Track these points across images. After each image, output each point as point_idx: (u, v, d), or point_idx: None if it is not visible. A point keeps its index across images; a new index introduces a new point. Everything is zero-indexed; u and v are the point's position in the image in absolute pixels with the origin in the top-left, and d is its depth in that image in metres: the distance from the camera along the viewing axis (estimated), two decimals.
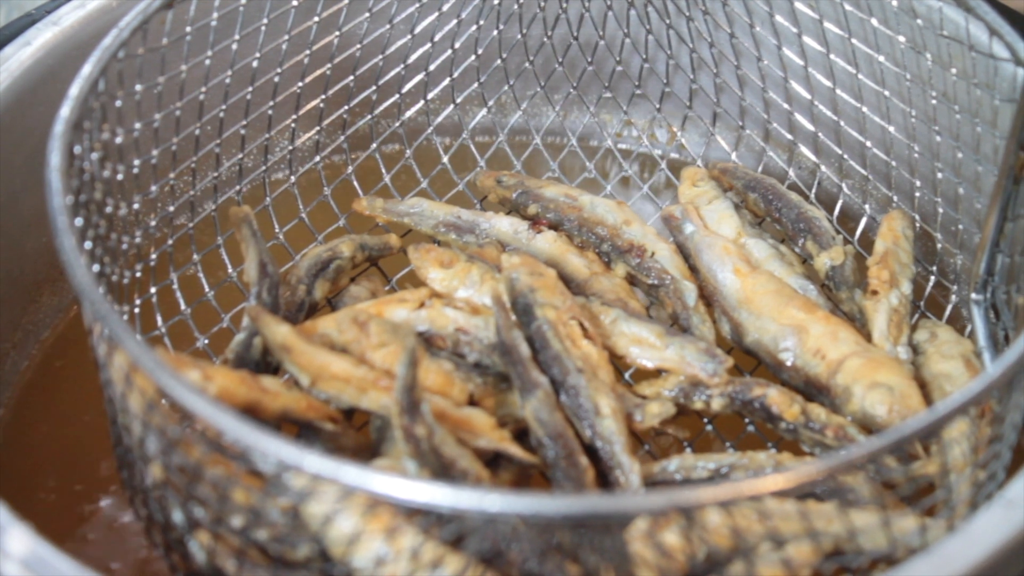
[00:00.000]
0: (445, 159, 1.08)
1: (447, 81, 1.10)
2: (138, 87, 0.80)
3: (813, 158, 1.04)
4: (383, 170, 1.07)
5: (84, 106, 0.72)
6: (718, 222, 0.96)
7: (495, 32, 1.08)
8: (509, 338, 0.77)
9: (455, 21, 1.05)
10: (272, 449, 0.56)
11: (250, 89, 0.93)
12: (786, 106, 1.04)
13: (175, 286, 0.91)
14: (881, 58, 0.94)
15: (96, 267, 0.71)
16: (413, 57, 1.06)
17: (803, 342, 0.83)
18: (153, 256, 0.88)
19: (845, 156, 1.02)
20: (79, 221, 0.69)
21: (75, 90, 0.72)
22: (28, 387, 0.93)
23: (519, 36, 1.08)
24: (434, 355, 0.78)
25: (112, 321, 0.61)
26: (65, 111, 0.71)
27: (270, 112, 0.97)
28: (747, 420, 0.83)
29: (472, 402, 0.77)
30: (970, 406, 0.60)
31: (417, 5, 1.03)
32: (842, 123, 1.00)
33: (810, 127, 1.03)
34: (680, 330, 0.87)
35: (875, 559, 0.67)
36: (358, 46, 1.01)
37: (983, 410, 0.75)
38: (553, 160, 1.11)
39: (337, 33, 0.99)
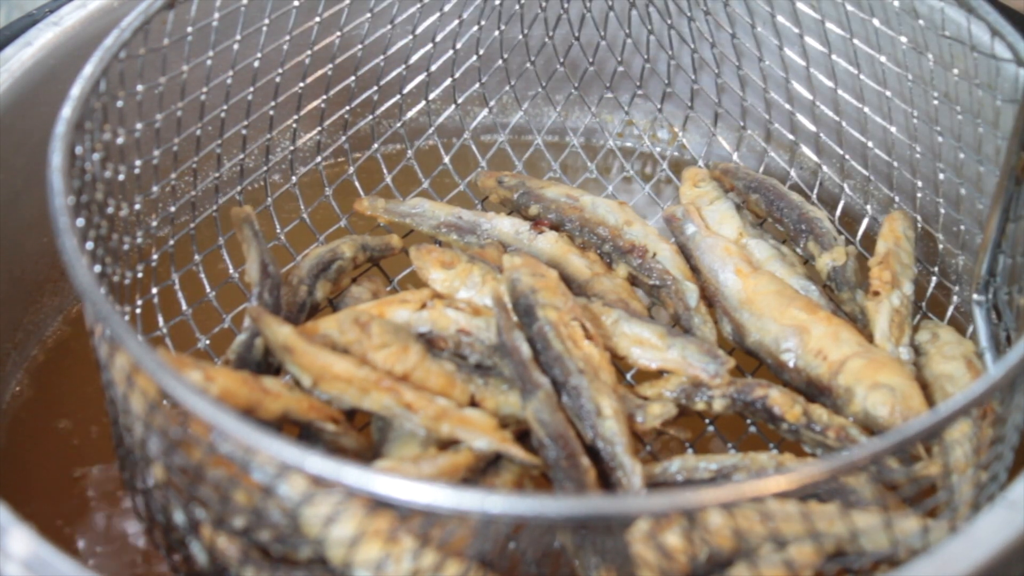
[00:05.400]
0: (446, 159, 1.08)
1: (448, 81, 1.09)
2: (139, 87, 0.80)
3: (815, 158, 1.04)
4: (384, 170, 1.07)
5: (85, 106, 0.72)
6: (719, 223, 0.96)
7: (496, 32, 1.08)
8: (510, 339, 0.77)
9: (456, 21, 1.05)
10: (274, 450, 0.55)
11: (251, 89, 0.93)
12: (788, 106, 1.04)
13: (176, 286, 0.91)
14: (883, 58, 0.94)
15: (97, 268, 0.71)
16: (414, 57, 1.06)
17: (805, 343, 0.83)
18: (154, 256, 0.88)
19: (847, 156, 1.02)
20: (80, 222, 0.69)
21: (76, 90, 0.72)
22: (29, 388, 0.93)
23: (520, 36, 1.08)
24: (436, 356, 0.78)
25: (114, 322, 0.61)
26: (66, 111, 0.71)
27: (271, 112, 0.97)
28: (749, 421, 0.83)
29: (473, 403, 0.77)
30: (972, 407, 0.60)
31: (419, 5, 1.03)
32: (844, 123, 1.00)
33: (812, 127, 1.03)
34: (682, 331, 0.87)
35: (877, 560, 0.67)
36: (359, 46, 1.01)
37: (985, 411, 0.75)
38: (554, 160, 1.11)
39: (338, 33, 0.99)
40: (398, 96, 1.08)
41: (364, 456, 0.75)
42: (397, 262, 0.96)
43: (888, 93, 0.95)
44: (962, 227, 0.92)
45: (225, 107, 0.92)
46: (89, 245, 0.70)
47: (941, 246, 0.95)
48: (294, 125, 1.01)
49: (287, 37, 0.94)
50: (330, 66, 1.00)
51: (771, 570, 0.65)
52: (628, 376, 0.86)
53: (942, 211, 0.94)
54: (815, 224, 0.95)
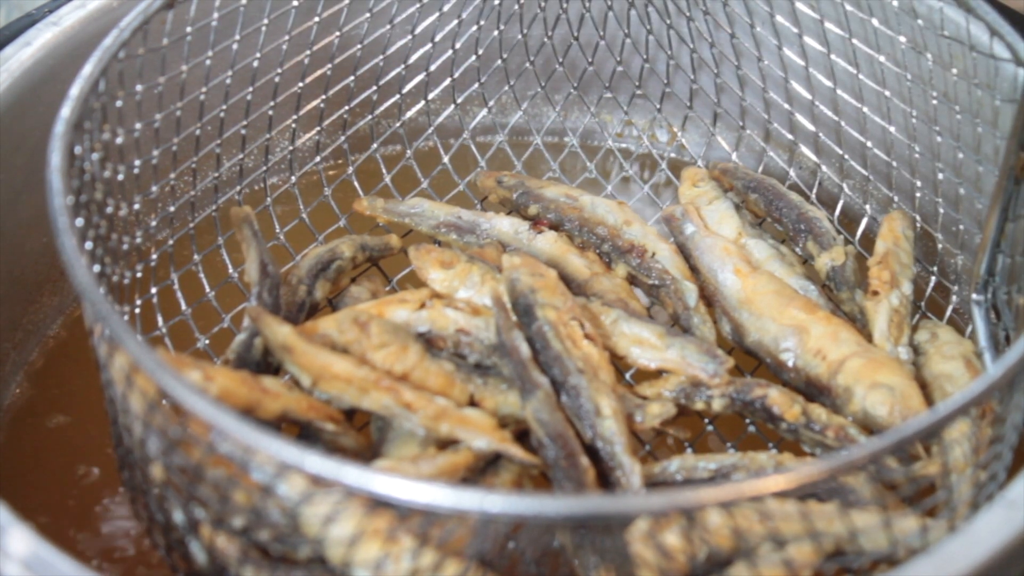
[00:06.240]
0: (446, 159, 1.08)
1: (448, 81, 1.10)
2: (139, 87, 0.80)
3: (814, 158, 1.04)
4: (384, 170, 1.07)
5: (85, 106, 0.72)
6: (719, 222, 0.96)
7: (496, 32, 1.08)
8: (509, 339, 0.77)
9: (456, 21, 1.05)
10: (273, 449, 0.56)
11: (250, 89, 0.93)
12: (787, 106, 1.04)
13: (176, 286, 0.91)
14: (882, 58, 0.94)
15: (97, 267, 0.71)
16: (414, 57, 1.06)
17: (804, 342, 0.83)
18: (154, 256, 0.88)
19: (846, 156, 1.02)
20: (80, 221, 0.69)
21: (76, 90, 0.72)
22: (29, 387, 0.93)
23: (520, 36, 1.08)
24: (435, 356, 0.78)
25: (113, 321, 0.61)
26: (66, 111, 0.71)
27: (270, 112, 0.97)
28: (748, 421, 0.83)
29: (473, 403, 0.77)
30: (971, 407, 0.60)
31: (418, 5, 1.03)
32: (843, 123, 1.00)
33: (811, 127, 1.03)
34: (681, 331, 0.87)
35: (876, 560, 0.68)
36: (359, 46, 1.01)
37: (984, 411, 0.75)
38: (554, 160, 1.11)
39: (337, 33, 0.99)
40: (397, 96, 1.08)
41: (363, 456, 0.75)
42: (396, 262, 0.96)
43: (887, 93, 0.95)
44: (961, 227, 0.92)
45: (224, 107, 0.92)
46: (88, 245, 0.70)
47: (940, 246, 0.95)
48: (293, 125, 1.01)
49: (286, 37, 0.94)
50: (329, 66, 1.00)
51: (770, 570, 0.65)
52: (627, 376, 0.86)
53: (941, 211, 0.94)
54: (814, 224, 0.95)
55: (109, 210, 0.77)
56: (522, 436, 0.76)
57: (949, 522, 0.68)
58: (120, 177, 0.79)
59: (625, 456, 0.73)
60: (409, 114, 1.09)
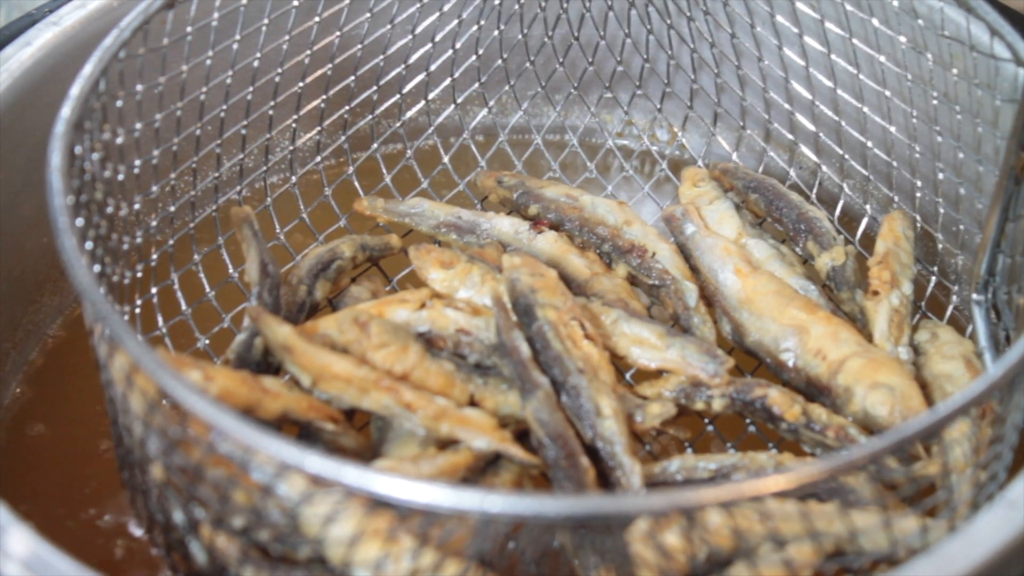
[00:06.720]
0: (446, 159, 1.09)
1: (448, 81, 1.09)
2: (139, 87, 0.80)
3: (814, 158, 1.04)
4: (384, 170, 1.07)
5: (85, 106, 0.72)
6: (719, 222, 0.96)
7: (496, 32, 1.08)
8: (510, 339, 0.77)
9: (456, 21, 1.05)
10: (273, 449, 0.56)
11: (251, 89, 0.93)
12: (787, 106, 1.04)
13: (176, 286, 0.91)
14: (882, 58, 0.94)
15: (97, 267, 0.71)
16: (414, 57, 1.06)
17: (804, 342, 0.83)
18: (154, 256, 0.88)
19: (846, 156, 1.02)
20: (80, 221, 0.69)
21: (76, 90, 0.72)
22: (29, 387, 0.93)
23: (520, 36, 1.08)
24: (435, 356, 0.78)
25: (113, 321, 0.61)
26: (66, 111, 0.71)
27: (271, 112, 0.97)
28: (748, 421, 0.83)
29: (473, 403, 0.77)
30: (971, 407, 0.60)
31: (418, 5, 1.03)
32: (843, 123, 1.00)
33: (811, 127, 1.03)
34: (681, 331, 0.87)
35: (876, 560, 0.68)
36: (359, 46, 1.01)
37: (984, 411, 0.75)
38: (554, 160, 1.11)
39: (338, 33, 0.99)
40: (397, 96, 1.08)
41: (363, 456, 0.75)
42: (396, 262, 0.96)
43: (887, 93, 0.95)
44: (961, 227, 0.92)
45: (224, 107, 0.92)
46: (88, 245, 0.70)
47: (940, 246, 0.95)
48: (294, 125, 1.01)
49: (286, 37, 0.94)
50: (329, 66, 1.00)
51: (770, 570, 0.65)
52: (627, 376, 0.86)
53: (941, 211, 0.94)
54: (814, 224, 0.95)
55: (109, 210, 0.77)
56: (522, 436, 0.76)
57: (949, 522, 0.68)
58: (120, 177, 0.79)
59: (625, 456, 0.73)
60: (409, 114, 1.09)
